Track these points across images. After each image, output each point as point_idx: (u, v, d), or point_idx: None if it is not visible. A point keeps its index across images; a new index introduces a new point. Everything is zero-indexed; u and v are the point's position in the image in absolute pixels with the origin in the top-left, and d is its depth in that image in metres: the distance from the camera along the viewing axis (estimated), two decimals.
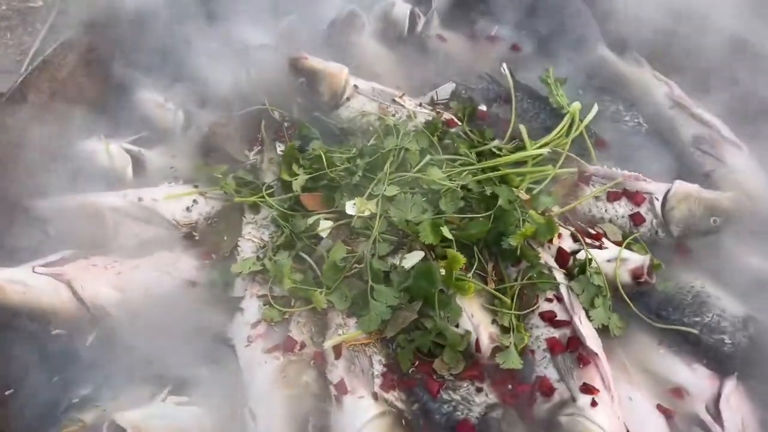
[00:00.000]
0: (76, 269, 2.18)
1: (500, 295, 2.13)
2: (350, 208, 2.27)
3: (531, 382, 2.02)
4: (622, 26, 3.08)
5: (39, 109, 2.58)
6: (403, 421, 1.92)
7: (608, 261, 2.25)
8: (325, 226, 2.27)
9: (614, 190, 2.49)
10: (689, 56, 2.88)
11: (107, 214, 2.35)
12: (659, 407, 2.01)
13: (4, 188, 2.39)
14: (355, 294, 2.12)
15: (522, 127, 2.60)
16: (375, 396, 1.93)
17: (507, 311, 2.10)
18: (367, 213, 2.25)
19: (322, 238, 2.26)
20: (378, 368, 2.01)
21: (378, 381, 1.97)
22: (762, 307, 2.19)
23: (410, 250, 2.20)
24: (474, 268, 2.18)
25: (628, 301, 2.17)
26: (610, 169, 2.56)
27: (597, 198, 2.49)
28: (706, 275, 2.32)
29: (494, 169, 2.41)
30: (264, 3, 2.96)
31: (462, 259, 2.03)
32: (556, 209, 2.41)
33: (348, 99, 2.75)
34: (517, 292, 2.15)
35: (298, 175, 2.38)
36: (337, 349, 2.03)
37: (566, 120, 2.62)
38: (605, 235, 2.38)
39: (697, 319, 2.18)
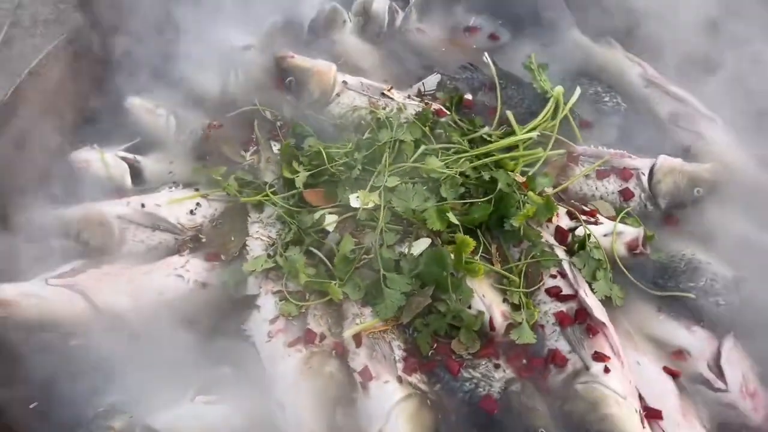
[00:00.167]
0: (88, 279, 2.19)
1: (508, 275, 2.22)
2: (354, 201, 2.32)
3: (543, 356, 2.10)
4: (594, 11, 3.18)
5: (29, 121, 2.56)
6: (429, 401, 1.98)
7: (604, 236, 2.35)
8: (331, 221, 2.31)
9: (603, 168, 2.60)
10: (662, 37, 3.00)
11: (113, 222, 2.35)
12: (665, 369, 2.11)
13: (2, 205, 2.36)
14: (368, 284, 2.17)
15: (509, 113, 2.67)
16: (399, 379, 1.99)
17: (516, 289, 2.19)
18: (371, 205, 2.31)
19: (328, 232, 2.30)
20: (398, 353, 2.07)
21: (400, 365, 2.03)
22: (749, 269, 2.32)
23: (417, 238, 2.26)
24: (479, 251, 2.25)
25: (626, 272, 2.28)
26: (596, 148, 2.67)
27: (587, 177, 2.59)
28: (695, 243, 2.44)
29: (488, 155, 2.48)
30: (247, 4, 2.97)
31: (471, 242, 2.10)
32: (549, 190, 2.51)
33: (338, 95, 2.80)
34: (523, 270, 2.24)
35: (299, 172, 2.43)
36: (357, 338, 2.09)
37: (551, 104, 2.71)
38: (598, 212, 2.48)
39: (692, 284, 2.30)
